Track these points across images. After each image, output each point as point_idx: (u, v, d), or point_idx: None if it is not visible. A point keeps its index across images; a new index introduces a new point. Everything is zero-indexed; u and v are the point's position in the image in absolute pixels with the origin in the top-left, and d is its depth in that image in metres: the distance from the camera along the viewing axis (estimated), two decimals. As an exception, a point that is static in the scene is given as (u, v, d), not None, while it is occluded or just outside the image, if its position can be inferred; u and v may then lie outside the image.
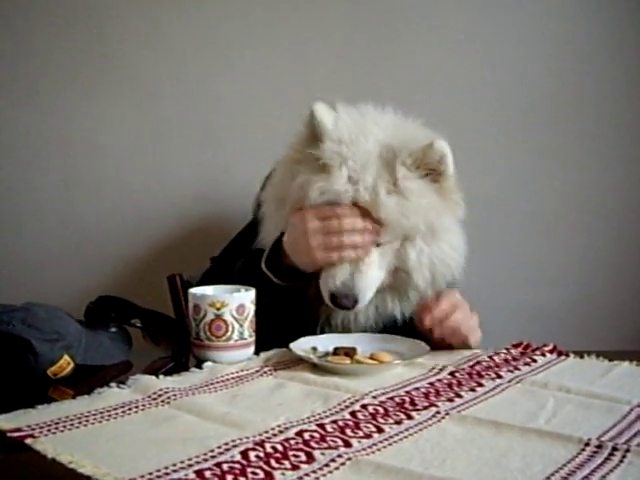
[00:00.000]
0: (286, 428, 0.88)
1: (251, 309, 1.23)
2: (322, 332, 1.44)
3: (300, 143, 1.37)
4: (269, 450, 0.81)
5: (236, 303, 1.21)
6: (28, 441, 0.82)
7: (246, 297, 1.23)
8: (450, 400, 1.02)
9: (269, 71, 2.15)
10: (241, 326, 1.21)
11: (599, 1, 2.17)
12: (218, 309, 1.20)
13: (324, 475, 0.76)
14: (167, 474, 0.73)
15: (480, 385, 1.09)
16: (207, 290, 1.27)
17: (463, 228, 1.45)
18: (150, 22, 2.19)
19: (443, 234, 1.38)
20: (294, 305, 1.42)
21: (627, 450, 0.81)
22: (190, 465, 0.76)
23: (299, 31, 2.17)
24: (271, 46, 2.17)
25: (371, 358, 1.20)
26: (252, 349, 1.25)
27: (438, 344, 1.32)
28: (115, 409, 0.95)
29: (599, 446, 0.83)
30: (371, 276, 1.33)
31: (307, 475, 0.75)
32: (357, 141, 1.31)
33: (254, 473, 0.75)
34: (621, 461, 0.79)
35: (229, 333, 1.20)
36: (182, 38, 2.19)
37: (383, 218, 1.29)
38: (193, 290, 1.26)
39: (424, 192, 1.31)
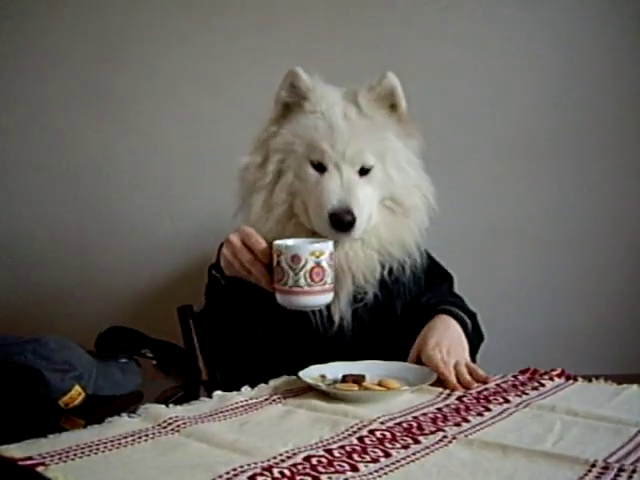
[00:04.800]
0: (294, 454, 0.88)
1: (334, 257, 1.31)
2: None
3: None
4: (277, 475, 0.81)
5: (328, 251, 1.27)
6: (39, 469, 0.83)
7: (331, 246, 1.30)
8: (457, 425, 1.02)
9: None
10: (333, 271, 1.29)
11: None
12: (317, 257, 1.25)
13: (331, 499, 0.76)
14: (176, 499, 0.74)
15: (487, 410, 1.10)
16: (288, 242, 1.32)
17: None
18: (152, 56, 2.26)
19: (408, 165, 1.47)
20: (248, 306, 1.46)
21: (633, 471, 0.82)
22: (198, 491, 0.76)
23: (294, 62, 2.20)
24: (270, 76, 2.20)
25: (379, 385, 1.20)
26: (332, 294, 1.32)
27: None
28: (125, 437, 0.95)
29: (605, 467, 0.83)
30: (364, 198, 1.40)
31: (314, 499, 0.76)
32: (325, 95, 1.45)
33: (262, 497, 0.76)
34: (627, 482, 0.79)
35: (325, 278, 1.26)
36: (183, 72, 2.25)
37: (356, 138, 1.40)
38: (278, 242, 1.30)
39: (386, 118, 1.45)
